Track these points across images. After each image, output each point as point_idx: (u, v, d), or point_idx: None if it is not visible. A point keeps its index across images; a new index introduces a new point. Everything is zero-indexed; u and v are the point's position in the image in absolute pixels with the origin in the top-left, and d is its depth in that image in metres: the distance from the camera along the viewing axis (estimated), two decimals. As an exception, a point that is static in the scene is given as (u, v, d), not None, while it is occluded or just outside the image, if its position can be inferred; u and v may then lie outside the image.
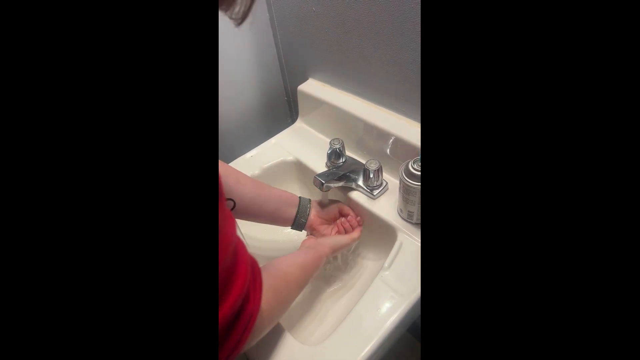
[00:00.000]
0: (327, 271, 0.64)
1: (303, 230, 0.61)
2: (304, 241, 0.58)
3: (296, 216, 0.58)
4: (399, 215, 0.57)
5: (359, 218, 0.61)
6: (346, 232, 0.60)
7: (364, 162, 0.62)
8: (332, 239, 0.56)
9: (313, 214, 0.60)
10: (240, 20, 0.24)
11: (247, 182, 0.55)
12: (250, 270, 0.34)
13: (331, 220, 0.62)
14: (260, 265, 0.39)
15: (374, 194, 0.61)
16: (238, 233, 0.33)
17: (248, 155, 0.74)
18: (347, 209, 0.61)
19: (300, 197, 0.60)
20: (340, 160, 0.67)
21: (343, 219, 0.61)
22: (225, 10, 0.24)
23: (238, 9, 0.24)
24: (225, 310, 0.29)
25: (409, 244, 0.54)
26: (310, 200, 0.61)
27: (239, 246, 0.33)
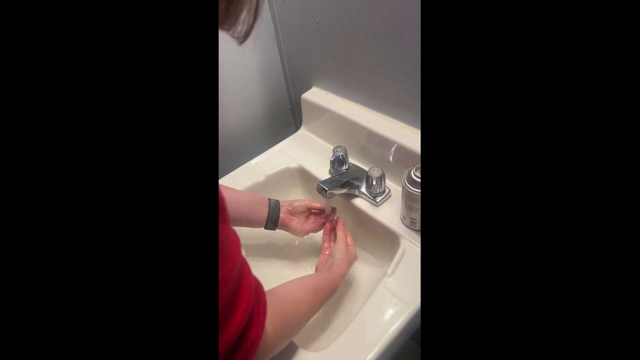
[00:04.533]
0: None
1: (276, 230, 0.63)
2: (319, 263, 0.57)
3: (269, 215, 0.60)
4: (402, 222, 0.58)
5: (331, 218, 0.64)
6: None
7: (366, 169, 0.63)
8: (347, 255, 0.55)
9: (283, 211, 0.62)
10: (242, 39, 0.25)
11: (220, 188, 0.56)
12: (254, 294, 0.33)
13: (300, 215, 0.64)
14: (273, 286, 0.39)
15: (377, 201, 0.61)
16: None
17: (252, 162, 0.75)
18: (314, 204, 0.63)
19: (269, 198, 0.62)
20: (344, 168, 0.67)
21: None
22: (227, 30, 0.24)
23: (240, 28, 0.24)
24: (227, 335, 0.29)
25: (412, 250, 0.54)
26: (278, 200, 0.63)
27: (243, 268, 0.32)
